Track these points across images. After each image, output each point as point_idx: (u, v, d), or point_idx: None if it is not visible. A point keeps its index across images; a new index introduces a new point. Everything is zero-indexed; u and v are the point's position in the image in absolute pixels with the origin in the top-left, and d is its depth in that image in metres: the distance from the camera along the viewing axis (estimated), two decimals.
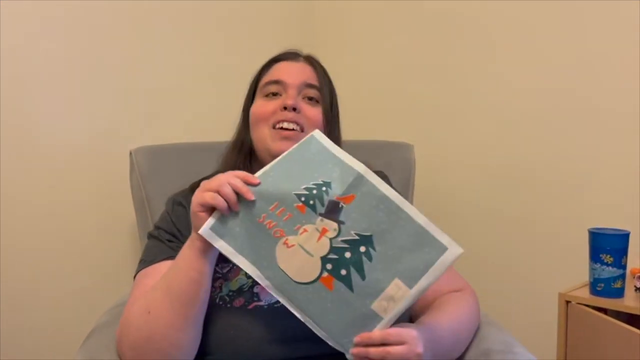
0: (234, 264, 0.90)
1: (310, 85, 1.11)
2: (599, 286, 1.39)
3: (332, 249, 0.85)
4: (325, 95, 1.12)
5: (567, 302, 1.42)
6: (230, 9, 1.84)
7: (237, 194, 0.87)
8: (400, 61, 1.98)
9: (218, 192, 0.86)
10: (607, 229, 1.41)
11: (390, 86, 2.01)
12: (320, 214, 0.86)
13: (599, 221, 1.50)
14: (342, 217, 0.86)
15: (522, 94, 1.74)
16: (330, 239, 0.85)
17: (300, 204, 0.87)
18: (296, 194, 0.87)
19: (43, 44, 1.45)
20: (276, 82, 1.11)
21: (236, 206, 0.87)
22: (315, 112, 1.10)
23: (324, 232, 0.86)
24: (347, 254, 0.85)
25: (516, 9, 1.72)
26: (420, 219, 0.86)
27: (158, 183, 1.39)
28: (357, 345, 0.83)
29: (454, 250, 0.85)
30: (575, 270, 1.56)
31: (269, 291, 0.87)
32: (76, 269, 1.53)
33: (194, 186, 1.15)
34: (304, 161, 0.91)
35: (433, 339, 0.89)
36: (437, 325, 0.94)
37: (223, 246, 0.88)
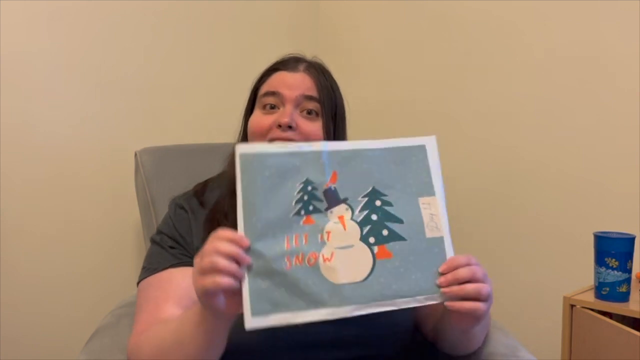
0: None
1: (309, 98, 1.05)
2: (604, 290, 1.38)
3: (360, 224, 0.84)
4: (325, 107, 1.06)
5: (572, 305, 1.42)
6: (236, 10, 1.84)
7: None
8: (405, 62, 1.98)
9: (216, 271, 0.77)
10: (612, 232, 1.40)
11: (395, 87, 2.01)
12: (326, 209, 0.85)
13: (605, 225, 1.50)
14: (342, 196, 0.86)
15: (527, 96, 1.73)
16: (352, 219, 0.85)
17: (304, 217, 0.84)
18: (294, 214, 0.84)
19: (45, 44, 1.45)
20: (273, 93, 1.05)
21: (240, 273, 0.78)
22: (313, 127, 1.04)
23: (342, 219, 0.85)
24: (374, 217, 0.85)
25: (521, 9, 1.72)
26: (384, 142, 0.89)
27: (163, 184, 1.39)
28: (444, 273, 0.82)
29: (428, 141, 0.89)
30: (580, 274, 1.56)
31: (348, 315, 0.80)
32: (80, 269, 1.53)
33: (197, 188, 1.14)
34: (266, 181, 0.85)
35: None
36: None
37: (278, 319, 0.79)
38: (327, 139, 1.05)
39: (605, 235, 1.39)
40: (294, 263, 0.81)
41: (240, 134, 1.14)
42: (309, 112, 1.05)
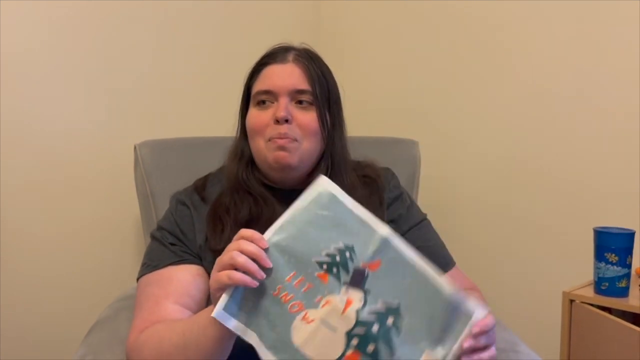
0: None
1: (301, 92, 1.06)
2: (603, 285, 1.38)
3: (358, 323, 0.78)
4: (318, 97, 1.07)
5: (571, 301, 1.42)
6: (237, 6, 1.83)
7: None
8: (405, 58, 1.97)
9: (233, 267, 0.79)
10: (612, 227, 1.41)
11: (395, 83, 2.00)
12: (345, 283, 0.79)
13: (604, 220, 1.50)
14: (367, 286, 0.80)
15: (527, 92, 1.73)
16: (357, 311, 0.78)
17: (322, 272, 0.80)
18: (317, 262, 0.80)
19: (45, 41, 1.44)
20: (266, 92, 1.06)
21: (259, 273, 0.79)
22: (308, 118, 1.05)
23: (349, 303, 0.78)
24: (375, 328, 0.77)
25: (521, 7, 1.72)
26: (447, 288, 0.79)
27: (162, 177, 1.39)
28: None
29: (478, 312, 0.78)
30: (579, 269, 1.56)
31: None
32: (79, 263, 1.53)
33: (198, 184, 1.14)
34: (320, 219, 0.83)
35: None
36: None
37: (236, 326, 0.79)
38: (323, 126, 1.06)
39: (605, 230, 1.39)
40: (280, 296, 0.79)
41: (237, 130, 1.15)
42: (302, 103, 1.06)
